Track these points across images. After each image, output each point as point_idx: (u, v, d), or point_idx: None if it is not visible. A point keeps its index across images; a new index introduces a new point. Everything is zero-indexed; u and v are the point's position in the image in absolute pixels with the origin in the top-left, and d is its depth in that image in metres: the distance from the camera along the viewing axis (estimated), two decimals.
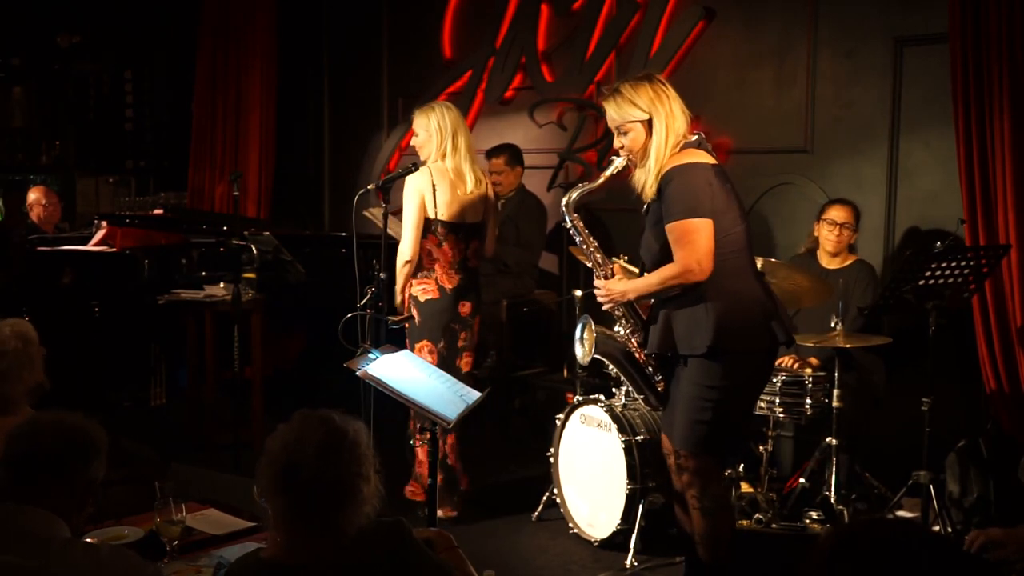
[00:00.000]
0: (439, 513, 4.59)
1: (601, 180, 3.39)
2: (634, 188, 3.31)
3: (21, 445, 2.19)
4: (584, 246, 3.44)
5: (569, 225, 3.44)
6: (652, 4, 5.79)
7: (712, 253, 3.12)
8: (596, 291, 3.39)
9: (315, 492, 2.02)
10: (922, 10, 4.83)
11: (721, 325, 3.11)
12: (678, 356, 3.26)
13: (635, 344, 3.39)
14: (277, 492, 2.04)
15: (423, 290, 4.39)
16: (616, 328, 3.45)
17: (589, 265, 3.47)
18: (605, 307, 3.40)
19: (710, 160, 3.21)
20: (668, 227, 3.14)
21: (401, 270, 4.35)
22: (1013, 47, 4.22)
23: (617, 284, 3.33)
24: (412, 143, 4.59)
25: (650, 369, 3.38)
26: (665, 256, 3.18)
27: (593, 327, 3.43)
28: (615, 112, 3.26)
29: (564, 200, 3.42)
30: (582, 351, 3.54)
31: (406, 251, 4.33)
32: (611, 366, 3.61)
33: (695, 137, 3.25)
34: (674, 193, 3.12)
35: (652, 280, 3.22)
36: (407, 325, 4.39)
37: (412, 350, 4.27)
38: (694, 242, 3.10)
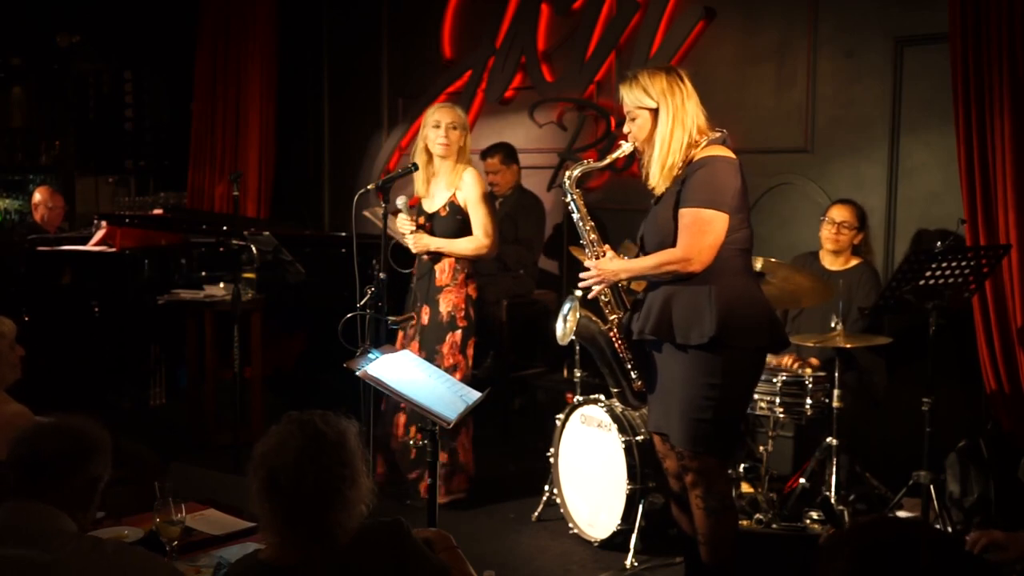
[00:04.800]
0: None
1: (607, 160, 3.42)
2: (643, 180, 3.31)
3: (23, 448, 2.25)
4: (580, 223, 3.38)
5: (568, 200, 3.39)
6: (652, 4, 5.78)
7: (716, 248, 3.11)
8: (582, 277, 3.32)
9: (297, 497, 2.03)
10: (922, 10, 4.83)
11: (725, 317, 3.09)
12: (663, 346, 3.22)
13: (617, 334, 3.34)
14: (263, 498, 2.06)
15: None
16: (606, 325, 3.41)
17: (583, 246, 3.41)
18: (594, 290, 3.32)
19: (736, 159, 3.21)
20: (683, 211, 3.12)
21: (479, 251, 4.55)
22: (1013, 47, 4.22)
23: (609, 263, 3.29)
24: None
25: (628, 365, 3.36)
26: (675, 242, 3.16)
27: (579, 309, 3.39)
28: (627, 96, 3.27)
29: (567, 173, 3.38)
30: (562, 330, 3.47)
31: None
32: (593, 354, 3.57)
33: (719, 134, 3.24)
34: (702, 180, 3.11)
35: (648, 263, 3.19)
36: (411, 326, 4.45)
37: (464, 347, 4.57)
38: (704, 232, 3.09)
